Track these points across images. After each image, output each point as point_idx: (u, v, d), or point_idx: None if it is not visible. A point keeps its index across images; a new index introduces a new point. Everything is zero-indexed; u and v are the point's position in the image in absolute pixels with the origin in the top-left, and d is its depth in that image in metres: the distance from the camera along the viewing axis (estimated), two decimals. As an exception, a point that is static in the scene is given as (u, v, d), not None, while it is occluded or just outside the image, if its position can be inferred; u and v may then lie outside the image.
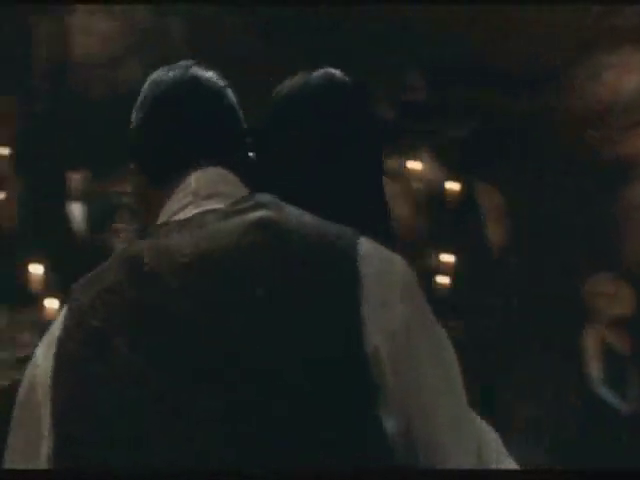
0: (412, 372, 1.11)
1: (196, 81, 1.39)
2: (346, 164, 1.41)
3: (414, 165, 7.38)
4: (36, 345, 1.26)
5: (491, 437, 1.28)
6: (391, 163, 7.43)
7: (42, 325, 4.68)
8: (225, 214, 1.20)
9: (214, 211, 1.22)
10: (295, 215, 1.20)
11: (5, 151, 7.15)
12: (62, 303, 4.68)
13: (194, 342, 1.11)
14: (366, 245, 1.18)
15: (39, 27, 7.37)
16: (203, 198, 1.27)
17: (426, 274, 6.29)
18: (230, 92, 1.43)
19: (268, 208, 1.20)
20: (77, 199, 6.63)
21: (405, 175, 7.35)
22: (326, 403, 1.07)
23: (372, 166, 1.46)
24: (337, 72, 1.48)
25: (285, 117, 1.46)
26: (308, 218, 1.21)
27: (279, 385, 1.07)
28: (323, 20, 7.15)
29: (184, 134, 1.35)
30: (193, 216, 1.23)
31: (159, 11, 7.63)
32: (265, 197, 1.24)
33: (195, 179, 1.29)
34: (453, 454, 1.09)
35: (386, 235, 1.37)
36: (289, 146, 1.42)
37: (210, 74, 1.42)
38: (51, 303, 5.12)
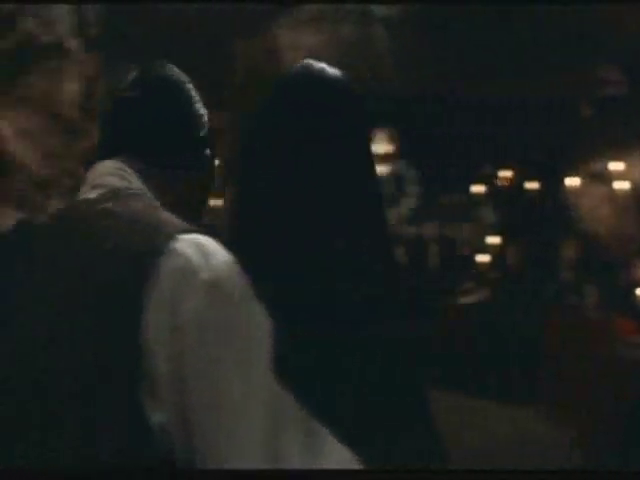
0: (199, 364, 1.11)
1: (143, 80, 1.40)
2: (325, 156, 1.36)
3: (616, 166, 7.25)
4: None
5: (319, 435, 1.17)
6: (592, 165, 7.37)
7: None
8: (85, 203, 1.29)
9: (81, 200, 1.30)
10: (136, 209, 1.24)
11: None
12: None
13: (36, 317, 1.19)
14: (183, 242, 1.16)
15: (248, 45, 7.75)
16: (92, 187, 1.32)
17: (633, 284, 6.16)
18: (178, 93, 1.41)
19: (115, 200, 1.26)
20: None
21: (607, 177, 7.25)
22: (97, 389, 1.11)
23: (353, 157, 1.39)
24: (317, 64, 1.43)
25: (267, 111, 1.42)
26: (151, 213, 1.24)
27: (66, 365, 1.14)
28: (515, 17, 7.11)
29: (111, 128, 1.39)
30: (70, 204, 1.35)
31: (364, 23, 7.84)
32: (123, 191, 1.29)
33: (92, 170, 1.34)
34: (235, 445, 1.09)
35: (374, 225, 1.38)
36: (271, 138, 1.39)
37: (166, 74, 1.42)
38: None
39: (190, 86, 1.43)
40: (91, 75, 6.45)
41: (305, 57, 1.44)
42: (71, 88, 6.37)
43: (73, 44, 6.36)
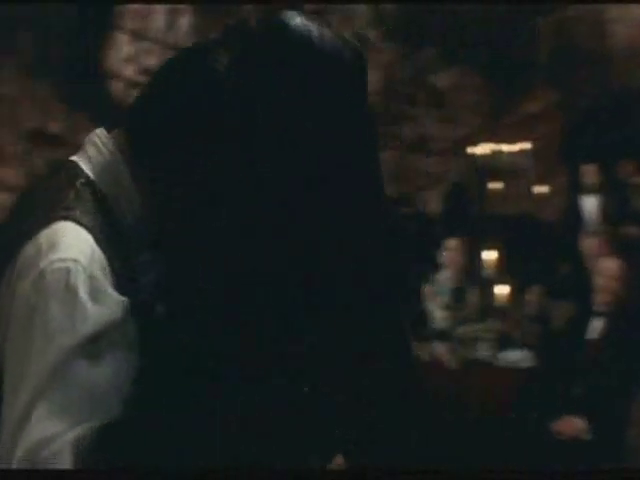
0: (9, 354, 1.15)
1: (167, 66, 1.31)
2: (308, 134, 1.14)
3: None
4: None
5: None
6: None
7: (492, 308, 4.85)
8: (55, 164, 1.35)
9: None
10: (60, 185, 1.24)
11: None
12: (512, 290, 4.80)
13: None
14: (47, 229, 1.17)
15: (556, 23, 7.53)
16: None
17: None
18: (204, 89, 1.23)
19: (62, 169, 1.27)
20: (592, 191, 6.75)
21: None
22: None
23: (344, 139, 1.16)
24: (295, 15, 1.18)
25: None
26: (65, 192, 1.22)
27: None
28: None
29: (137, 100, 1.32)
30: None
31: None
32: (73, 163, 1.27)
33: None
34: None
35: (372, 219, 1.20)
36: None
37: (201, 66, 1.26)
38: (501, 289, 4.87)
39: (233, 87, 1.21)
40: (390, 63, 6.66)
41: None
42: (371, 77, 6.64)
43: (372, 35, 6.63)
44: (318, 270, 1.15)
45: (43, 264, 1.14)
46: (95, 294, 1.15)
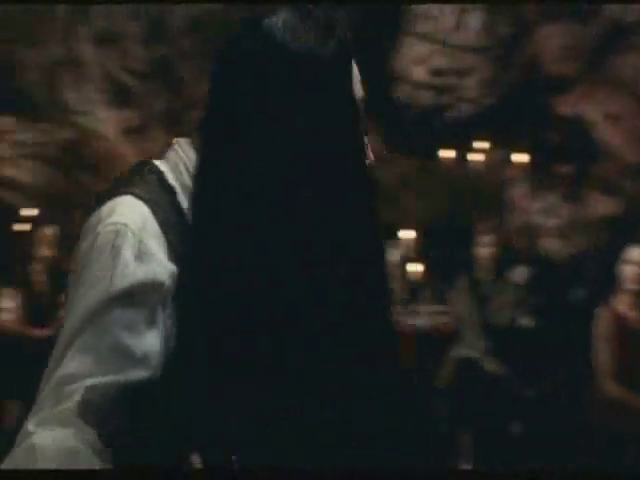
0: (67, 304, 1.26)
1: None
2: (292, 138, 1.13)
3: None
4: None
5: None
6: None
7: None
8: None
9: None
10: (137, 170, 1.34)
11: None
12: None
13: None
14: (110, 202, 1.28)
15: None
16: None
17: None
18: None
19: (147, 162, 1.36)
20: None
21: None
22: None
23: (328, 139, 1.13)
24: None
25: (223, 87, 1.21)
26: (136, 181, 1.31)
27: None
28: None
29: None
30: None
31: None
32: (153, 163, 1.34)
33: None
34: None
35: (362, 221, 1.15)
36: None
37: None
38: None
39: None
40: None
41: None
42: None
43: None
44: (314, 270, 1.14)
45: (99, 228, 1.25)
46: (141, 256, 1.23)
